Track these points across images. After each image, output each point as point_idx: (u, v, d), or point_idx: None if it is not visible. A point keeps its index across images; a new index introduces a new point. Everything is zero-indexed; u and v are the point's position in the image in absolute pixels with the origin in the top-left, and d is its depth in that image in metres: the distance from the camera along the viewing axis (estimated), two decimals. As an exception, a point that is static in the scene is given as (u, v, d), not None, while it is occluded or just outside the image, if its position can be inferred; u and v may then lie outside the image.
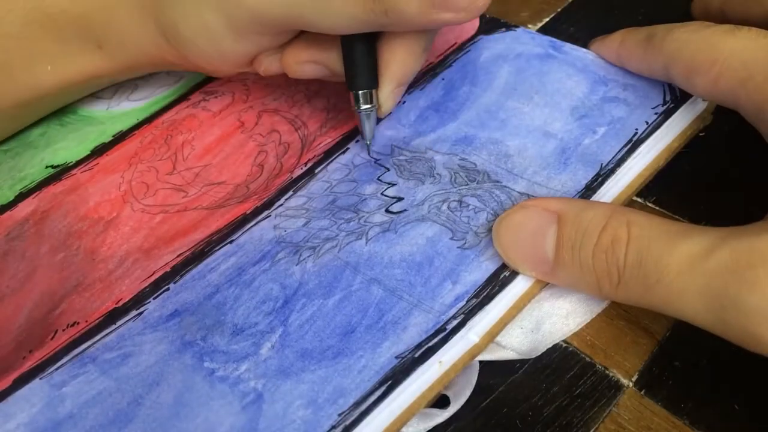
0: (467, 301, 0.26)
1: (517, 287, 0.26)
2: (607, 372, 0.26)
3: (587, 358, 0.26)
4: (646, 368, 0.25)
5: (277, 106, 0.36)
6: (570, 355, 0.26)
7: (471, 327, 0.25)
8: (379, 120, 0.34)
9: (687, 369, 0.25)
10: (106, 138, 0.35)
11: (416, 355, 0.24)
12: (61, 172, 0.34)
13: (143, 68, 0.35)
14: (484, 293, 0.26)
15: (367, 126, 0.32)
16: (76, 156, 0.35)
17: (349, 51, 0.30)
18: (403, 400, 0.23)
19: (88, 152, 0.35)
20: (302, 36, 0.31)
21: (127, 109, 0.37)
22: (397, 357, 0.24)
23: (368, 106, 0.31)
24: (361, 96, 0.31)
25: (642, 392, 0.25)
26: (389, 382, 0.24)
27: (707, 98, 0.30)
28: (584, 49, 0.36)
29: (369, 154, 0.33)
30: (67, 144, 0.35)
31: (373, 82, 0.31)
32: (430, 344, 0.25)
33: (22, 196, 0.33)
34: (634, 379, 0.25)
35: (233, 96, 0.37)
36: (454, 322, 0.25)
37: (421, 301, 0.26)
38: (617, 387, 0.25)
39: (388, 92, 0.31)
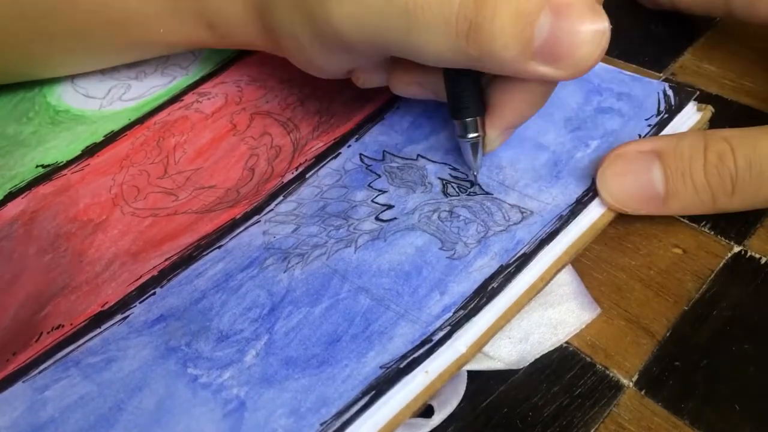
0: (454, 313, 0.26)
1: (506, 297, 0.26)
2: (607, 372, 0.26)
3: (587, 358, 0.26)
4: (646, 368, 0.26)
5: (269, 108, 0.36)
6: (570, 355, 0.26)
7: (458, 337, 0.25)
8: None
9: (687, 369, 0.25)
10: (98, 138, 0.35)
11: (401, 366, 0.24)
12: (51, 172, 0.34)
13: (251, 49, 0.36)
14: (472, 305, 0.26)
15: (474, 156, 0.30)
16: (67, 156, 0.34)
17: (452, 79, 0.29)
18: (388, 409, 0.23)
19: (79, 152, 0.35)
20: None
21: (119, 108, 0.37)
22: (381, 367, 0.24)
23: (475, 135, 0.29)
24: (467, 125, 0.29)
25: (642, 392, 0.25)
26: (373, 392, 0.23)
27: (692, 11, 0.34)
28: None
29: (476, 183, 0.30)
30: (58, 143, 0.35)
31: (478, 110, 0.29)
32: (416, 355, 0.24)
33: (11, 196, 0.33)
34: (634, 379, 0.25)
35: (226, 98, 0.36)
36: (441, 334, 0.25)
37: (408, 311, 0.26)
38: (617, 387, 0.25)
39: (496, 135, 0.29)
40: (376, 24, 0.25)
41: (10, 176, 0.34)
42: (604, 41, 0.24)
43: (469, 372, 0.26)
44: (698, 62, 0.37)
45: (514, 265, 0.27)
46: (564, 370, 0.26)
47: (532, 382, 0.26)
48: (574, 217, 0.28)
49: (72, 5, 0.33)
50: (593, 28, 0.23)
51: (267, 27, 0.30)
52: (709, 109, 0.31)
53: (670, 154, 0.27)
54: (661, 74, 0.37)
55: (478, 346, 0.25)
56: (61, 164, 0.34)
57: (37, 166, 0.34)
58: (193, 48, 0.37)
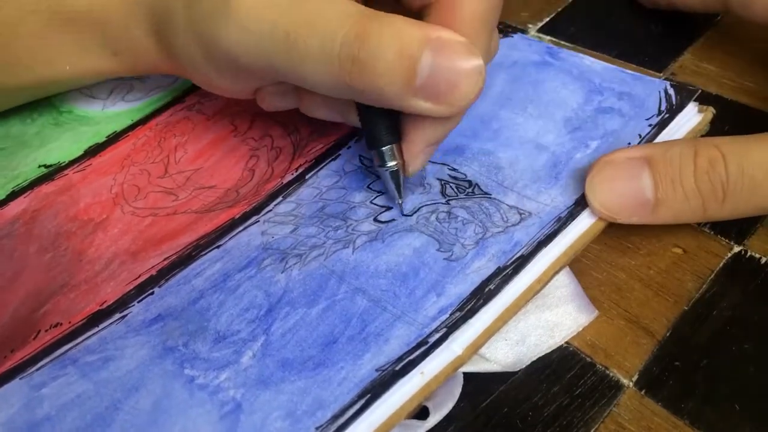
0: (451, 314, 0.26)
1: (503, 299, 0.26)
2: (607, 372, 0.26)
3: (587, 358, 0.26)
4: (646, 368, 0.26)
5: (270, 110, 0.36)
6: (570, 355, 0.26)
7: (455, 339, 0.25)
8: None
9: (687, 369, 0.25)
10: (100, 138, 0.35)
11: (397, 368, 0.24)
12: (53, 172, 0.34)
13: (156, 73, 0.35)
14: (468, 306, 0.26)
15: (394, 186, 0.29)
16: (70, 156, 0.35)
17: (362, 108, 0.28)
18: (384, 410, 0.23)
19: (82, 152, 0.35)
20: None
21: (123, 109, 0.37)
22: (377, 370, 0.24)
23: (393, 163, 0.28)
24: (384, 154, 0.28)
25: (642, 392, 0.25)
26: (368, 396, 0.23)
27: (695, 9, 0.34)
28: (581, 54, 0.35)
29: (402, 213, 0.30)
30: (61, 144, 0.35)
31: (393, 136, 0.28)
32: (411, 357, 0.24)
33: (14, 195, 0.33)
34: (634, 379, 0.25)
35: (227, 99, 0.36)
36: (437, 336, 0.25)
37: (404, 312, 0.26)
38: (617, 387, 0.25)
39: (416, 153, 0.29)
40: (262, 50, 0.25)
41: (13, 176, 0.34)
42: (481, 79, 0.25)
43: (468, 373, 0.26)
44: (698, 62, 0.37)
45: (512, 267, 0.27)
46: (564, 370, 0.26)
47: (532, 382, 0.26)
48: (573, 219, 0.28)
49: None
50: (470, 65, 0.24)
51: (167, 51, 0.30)
52: (711, 111, 0.31)
53: (659, 161, 0.27)
54: (661, 74, 0.37)
55: (474, 348, 0.25)
56: (64, 164, 0.34)
57: (39, 166, 0.34)
58: (103, 78, 0.36)
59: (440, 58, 0.24)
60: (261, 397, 0.24)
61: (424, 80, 0.24)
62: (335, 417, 0.23)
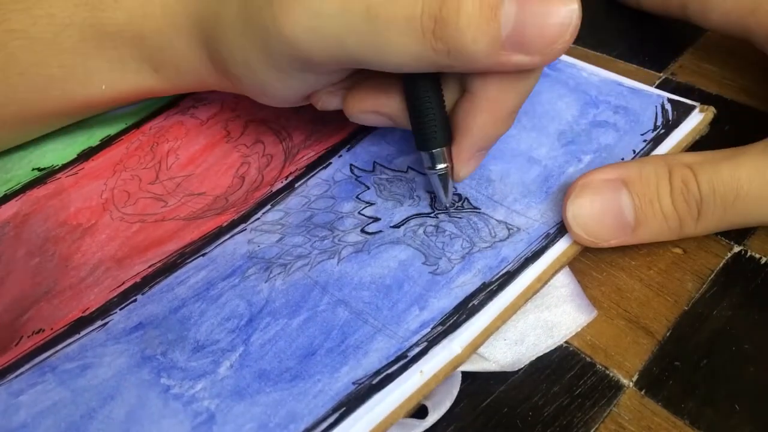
0: (432, 328, 0.25)
1: (486, 315, 0.25)
2: (607, 372, 0.26)
3: (587, 358, 0.26)
4: (646, 368, 0.25)
5: (264, 115, 0.36)
6: (570, 355, 0.26)
7: (454, 338, 0.25)
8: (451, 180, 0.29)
9: (687, 369, 0.25)
10: (94, 142, 0.35)
11: (373, 382, 0.24)
12: (46, 176, 0.34)
13: (202, 90, 0.34)
14: (451, 321, 0.25)
15: (443, 189, 0.28)
16: (63, 159, 0.35)
17: (415, 105, 0.27)
18: (383, 408, 0.23)
19: (75, 156, 0.35)
20: (365, 82, 0.29)
21: (118, 113, 0.37)
22: (354, 383, 0.24)
23: (442, 166, 0.28)
24: (434, 156, 0.28)
25: (642, 392, 0.25)
26: (343, 409, 0.23)
27: (721, 31, 0.33)
28: (579, 65, 0.35)
29: (450, 215, 0.29)
30: (56, 146, 0.35)
31: (445, 139, 0.28)
32: (389, 371, 0.24)
33: (5, 198, 0.33)
34: (634, 379, 0.25)
35: (222, 104, 0.36)
36: (416, 350, 0.25)
37: (385, 325, 0.26)
38: (617, 387, 0.25)
39: (467, 156, 0.28)
40: (335, 33, 0.24)
41: (6, 179, 0.34)
42: (574, 22, 0.23)
43: (470, 372, 0.26)
44: (698, 62, 0.37)
45: (497, 283, 0.26)
46: (564, 370, 0.26)
47: (532, 382, 0.26)
48: (561, 236, 0.27)
49: (4, 71, 0.30)
50: (561, 10, 0.23)
51: (215, 59, 0.29)
52: (711, 110, 0.31)
53: (636, 182, 0.27)
54: (661, 74, 0.37)
55: (473, 347, 0.25)
56: (57, 168, 0.34)
57: (33, 169, 0.34)
58: (141, 98, 0.34)
59: (525, 4, 0.23)
60: (235, 409, 0.24)
61: (510, 29, 0.23)
62: (308, 430, 0.23)
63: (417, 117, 0.27)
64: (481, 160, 0.29)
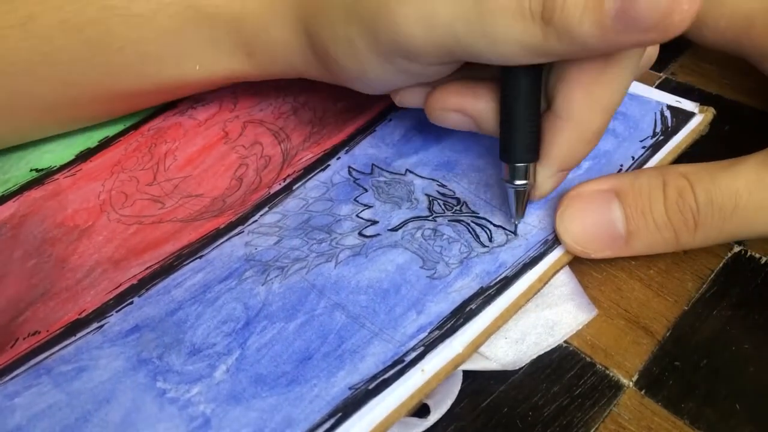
0: (429, 333, 0.25)
1: (483, 319, 0.25)
2: (607, 372, 0.26)
3: (587, 358, 0.26)
4: (646, 368, 0.25)
5: (262, 116, 0.35)
6: (570, 355, 0.26)
7: (455, 337, 0.25)
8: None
9: (687, 369, 0.25)
10: (92, 143, 0.35)
11: (370, 387, 0.24)
12: (44, 177, 0.34)
13: (292, 76, 0.33)
14: (448, 325, 0.25)
15: (519, 204, 0.28)
16: (61, 160, 0.35)
17: (510, 111, 0.26)
18: (384, 407, 0.23)
19: (73, 157, 0.35)
20: (454, 79, 0.28)
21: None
22: (350, 388, 0.24)
23: (523, 182, 0.27)
24: (517, 170, 0.27)
25: (642, 392, 0.25)
26: (339, 415, 0.23)
27: (716, 48, 0.33)
28: None
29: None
30: (54, 147, 0.35)
31: (533, 154, 0.26)
32: (386, 376, 0.24)
33: (3, 199, 0.33)
34: (634, 379, 0.25)
35: (220, 105, 0.36)
36: (413, 354, 0.25)
37: (382, 329, 0.26)
38: (617, 387, 0.25)
39: (548, 175, 0.27)
40: (445, 20, 0.23)
41: (4, 179, 0.34)
42: None
43: (470, 372, 0.26)
44: (698, 62, 0.37)
45: (495, 287, 0.26)
46: (564, 370, 0.26)
47: (532, 382, 0.26)
48: (559, 242, 0.27)
49: (102, 47, 0.30)
50: None
51: (315, 44, 0.28)
52: (711, 111, 0.31)
53: (628, 193, 0.26)
54: (661, 74, 0.37)
55: (475, 346, 0.25)
56: (55, 168, 0.34)
57: (31, 170, 0.34)
58: (227, 83, 0.34)
59: None
60: (231, 413, 0.24)
61: (618, 8, 0.21)
62: (303, 436, 0.23)
63: (509, 124, 0.26)
64: (561, 181, 0.28)
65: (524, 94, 0.25)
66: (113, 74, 0.31)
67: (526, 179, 0.27)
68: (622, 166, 0.30)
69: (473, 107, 0.28)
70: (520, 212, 0.28)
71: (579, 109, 0.26)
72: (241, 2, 0.29)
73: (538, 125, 0.26)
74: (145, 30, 0.30)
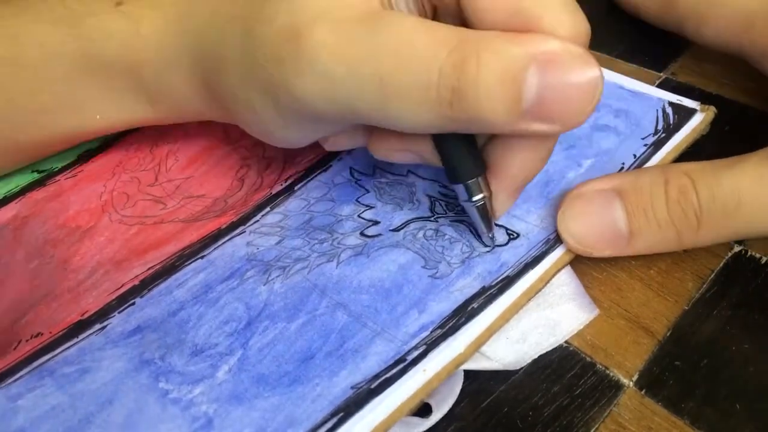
0: (431, 332, 0.25)
1: (485, 319, 0.25)
2: (607, 372, 0.26)
3: (588, 358, 0.26)
4: (646, 368, 0.25)
5: (264, 118, 0.35)
6: (570, 355, 0.26)
7: (457, 336, 0.25)
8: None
9: (687, 369, 0.25)
10: (94, 144, 0.35)
11: (372, 387, 0.24)
12: (45, 178, 0.34)
13: (199, 120, 0.33)
14: (450, 324, 0.25)
15: (483, 219, 0.27)
16: (62, 161, 0.35)
17: (443, 143, 0.26)
18: (386, 406, 0.23)
19: (75, 158, 0.35)
20: None
21: (118, 115, 0.37)
22: (352, 387, 0.24)
23: (479, 197, 0.26)
24: (470, 187, 0.26)
25: (642, 392, 0.25)
26: (341, 414, 0.23)
27: (716, 48, 0.33)
28: None
29: (493, 245, 0.28)
30: (55, 149, 0.35)
31: (477, 169, 0.26)
32: (388, 375, 0.24)
33: (4, 201, 0.33)
34: (634, 379, 0.25)
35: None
36: (415, 353, 0.25)
37: (384, 329, 0.26)
38: (618, 387, 0.25)
39: (504, 198, 0.27)
40: (345, 96, 0.23)
41: (5, 181, 0.34)
42: (598, 90, 0.22)
43: (470, 372, 0.26)
44: (698, 62, 0.37)
45: (497, 287, 0.26)
46: (564, 370, 0.26)
47: (533, 382, 0.26)
48: (561, 242, 0.27)
49: None
50: (585, 78, 0.21)
51: (216, 99, 0.28)
52: (712, 110, 0.31)
53: (630, 192, 0.26)
54: (661, 74, 0.37)
55: (476, 346, 0.25)
56: (56, 170, 0.34)
57: (32, 171, 0.34)
58: (138, 126, 0.33)
59: (549, 75, 0.21)
60: (233, 413, 0.24)
61: (531, 102, 0.21)
62: (306, 435, 0.23)
63: (445, 153, 0.26)
64: (516, 198, 0.28)
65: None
66: (5, 125, 0.30)
67: (481, 192, 0.26)
68: (623, 164, 0.30)
69: (415, 145, 0.27)
70: (489, 226, 0.27)
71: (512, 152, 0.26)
72: (135, 53, 0.28)
73: (474, 142, 0.26)
74: (35, 82, 0.29)
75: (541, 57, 0.21)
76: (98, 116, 0.31)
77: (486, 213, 0.27)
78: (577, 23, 0.23)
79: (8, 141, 0.31)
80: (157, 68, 0.29)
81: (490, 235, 0.28)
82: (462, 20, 0.24)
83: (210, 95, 0.28)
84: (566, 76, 0.21)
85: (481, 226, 0.27)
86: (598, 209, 0.27)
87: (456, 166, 0.26)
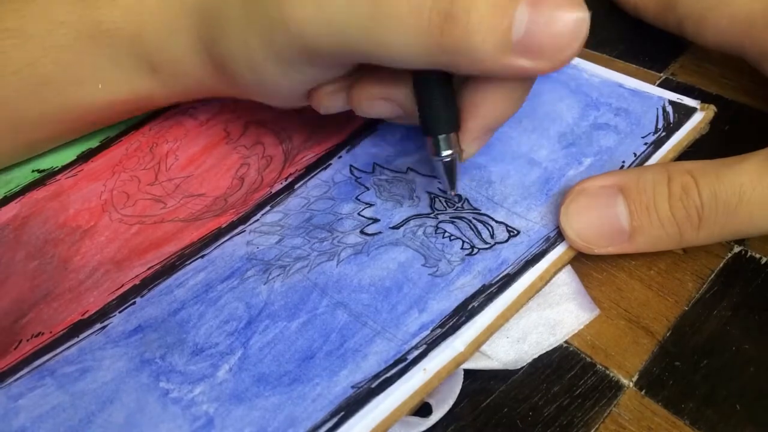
0: (432, 331, 0.25)
1: (485, 317, 0.25)
2: (607, 372, 0.26)
3: (588, 358, 0.26)
4: (646, 368, 0.25)
5: (264, 117, 0.35)
6: (570, 355, 0.26)
7: (457, 335, 0.25)
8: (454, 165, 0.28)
9: (687, 369, 0.25)
10: (94, 143, 0.35)
11: (372, 386, 0.24)
12: (45, 177, 0.34)
13: (199, 95, 0.33)
14: (450, 323, 0.25)
15: (449, 175, 0.27)
16: (63, 161, 0.35)
17: (422, 89, 0.26)
18: (386, 406, 0.23)
19: (74, 157, 0.35)
20: (373, 72, 0.28)
21: (118, 114, 0.37)
22: (353, 387, 0.24)
23: (448, 152, 0.27)
24: (440, 142, 0.26)
25: (642, 392, 0.25)
26: (342, 413, 0.23)
27: (717, 48, 0.34)
28: (580, 65, 0.35)
29: (455, 205, 0.29)
30: (55, 148, 0.35)
31: (453, 124, 0.26)
32: (388, 375, 0.24)
33: (5, 200, 0.33)
34: (634, 379, 0.25)
35: (221, 105, 0.36)
36: (416, 353, 0.25)
37: (385, 328, 0.26)
38: (618, 387, 0.25)
39: (473, 137, 0.27)
40: (340, 25, 0.23)
41: (6, 180, 0.34)
42: (584, 30, 0.22)
43: (470, 372, 0.26)
44: (698, 62, 0.37)
45: (497, 285, 0.26)
46: (564, 370, 0.26)
47: (533, 382, 0.26)
48: (561, 239, 0.27)
49: None
50: (572, 17, 0.22)
51: (214, 57, 0.28)
52: (712, 109, 0.31)
53: (632, 188, 0.26)
54: (661, 74, 0.37)
55: (476, 345, 0.25)
56: (56, 169, 0.34)
57: (33, 171, 0.34)
58: (136, 105, 0.33)
59: (539, 10, 0.22)
60: (234, 413, 0.24)
61: (521, 34, 0.22)
62: (306, 435, 0.23)
63: (423, 102, 0.26)
64: (487, 140, 0.28)
65: (434, 74, 0.26)
66: (11, 98, 0.30)
67: (450, 149, 0.27)
68: (624, 162, 0.30)
69: (395, 94, 0.28)
70: (453, 183, 0.28)
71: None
72: (139, 16, 0.29)
73: (453, 98, 0.26)
74: (40, 52, 0.29)
75: None
76: (100, 85, 0.31)
77: (452, 171, 0.27)
78: None
79: (12, 116, 0.31)
80: (160, 32, 0.29)
81: (453, 192, 0.28)
82: None
83: (211, 59, 0.29)
84: (556, 12, 0.22)
85: (446, 183, 0.28)
86: (600, 205, 0.27)
87: (431, 118, 0.26)
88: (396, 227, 0.29)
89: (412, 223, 0.29)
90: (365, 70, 0.28)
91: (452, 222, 0.29)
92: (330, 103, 0.29)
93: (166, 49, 0.29)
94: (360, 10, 0.23)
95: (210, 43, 0.28)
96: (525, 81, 0.27)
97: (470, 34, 0.22)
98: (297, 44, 0.25)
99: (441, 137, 0.27)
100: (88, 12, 0.29)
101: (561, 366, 0.26)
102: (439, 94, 0.26)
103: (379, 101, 0.28)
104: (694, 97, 0.32)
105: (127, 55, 0.30)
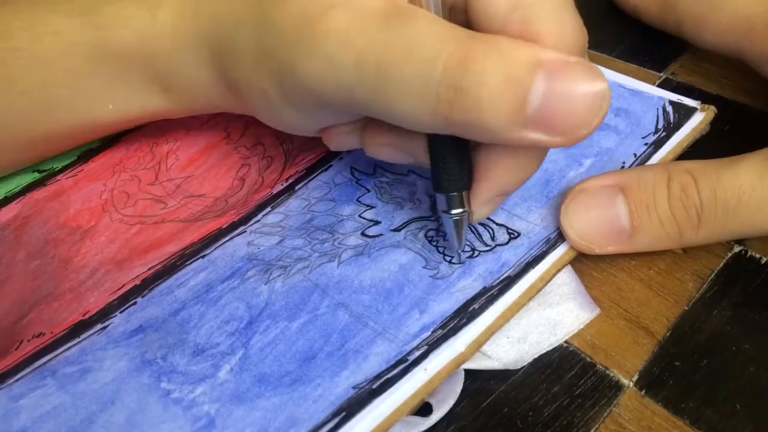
0: (432, 332, 0.25)
1: (486, 319, 0.25)
2: (607, 372, 0.26)
3: (588, 358, 0.26)
4: (646, 368, 0.26)
5: (265, 118, 0.35)
6: (570, 355, 0.26)
7: (458, 336, 0.25)
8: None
9: (687, 369, 0.25)
10: (94, 143, 0.35)
11: (374, 387, 0.24)
12: (46, 177, 0.34)
13: (212, 111, 0.32)
14: (451, 325, 0.25)
15: (457, 234, 0.26)
16: (63, 161, 0.35)
17: (436, 147, 0.25)
18: (387, 406, 0.23)
19: (75, 157, 0.35)
20: None
21: (118, 114, 0.37)
22: (354, 387, 0.24)
23: (458, 211, 0.26)
24: (451, 200, 0.26)
25: (642, 392, 0.25)
26: (343, 414, 0.23)
27: (716, 50, 0.34)
28: None
29: (460, 262, 0.28)
30: (56, 148, 0.35)
31: (465, 183, 0.26)
32: (389, 375, 0.24)
33: (6, 201, 0.33)
34: (634, 379, 0.25)
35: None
36: (417, 354, 0.25)
37: (385, 329, 0.26)
38: (618, 387, 0.25)
39: (483, 201, 0.26)
40: (346, 83, 0.23)
41: (6, 181, 0.34)
42: (604, 106, 0.21)
43: (470, 372, 0.26)
44: (698, 62, 0.37)
45: (498, 287, 0.26)
46: (564, 370, 0.26)
47: (533, 382, 0.26)
48: (562, 241, 0.27)
49: (4, 87, 0.29)
50: (592, 90, 0.21)
51: (230, 85, 0.28)
52: (712, 110, 0.31)
53: (633, 188, 0.26)
54: (661, 74, 0.37)
55: (477, 345, 0.25)
56: (57, 169, 0.34)
57: (33, 171, 0.34)
58: (145, 120, 0.33)
59: (557, 82, 0.20)
60: (235, 413, 0.24)
61: (535, 109, 0.21)
62: (307, 435, 0.23)
63: (437, 158, 0.25)
64: (499, 204, 0.27)
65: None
66: (21, 118, 0.30)
67: (461, 207, 0.26)
68: (624, 163, 0.30)
69: (406, 143, 0.27)
70: (460, 242, 0.27)
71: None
72: (151, 40, 0.28)
73: (468, 155, 0.26)
74: (50, 73, 0.29)
75: (550, 64, 0.21)
76: (111, 106, 0.31)
77: (461, 229, 0.26)
78: (576, 25, 0.23)
79: (21, 135, 0.31)
80: (172, 55, 0.29)
81: (459, 251, 0.28)
82: (467, 20, 0.24)
83: (224, 82, 0.28)
84: (575, 85, 0.21)
85: (453, 241, 0.27)
86: (601, 204, 0.27)
87: (443, 175, 0.25)
88: (397, 229, 0.29)
89: (413, 225, 0.29)
90: None
91: None
92: (341, 142, 0.29)
93: (179, 72, 0.29)
94: (368, 75, 0.22)
95: (224, 70, 0.28)
96: (540, 152, 0.26)
97: (481, 108, 0.21)
98: (306, 93, 0.24)
99: (453, 195, 0.26)
100: (99, 34, 0.29)
101: (561, 366, 0.26)
102: (454, 154, 0.25)
103: (390, 148, 0.27)
104: (694, 97, 0.32)
105: (139, 76, 0.30)
